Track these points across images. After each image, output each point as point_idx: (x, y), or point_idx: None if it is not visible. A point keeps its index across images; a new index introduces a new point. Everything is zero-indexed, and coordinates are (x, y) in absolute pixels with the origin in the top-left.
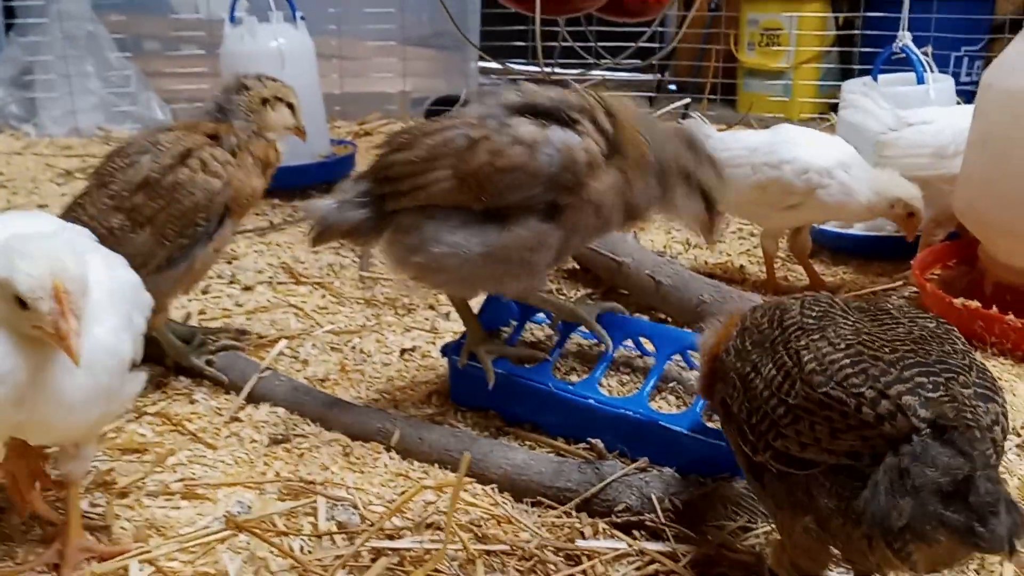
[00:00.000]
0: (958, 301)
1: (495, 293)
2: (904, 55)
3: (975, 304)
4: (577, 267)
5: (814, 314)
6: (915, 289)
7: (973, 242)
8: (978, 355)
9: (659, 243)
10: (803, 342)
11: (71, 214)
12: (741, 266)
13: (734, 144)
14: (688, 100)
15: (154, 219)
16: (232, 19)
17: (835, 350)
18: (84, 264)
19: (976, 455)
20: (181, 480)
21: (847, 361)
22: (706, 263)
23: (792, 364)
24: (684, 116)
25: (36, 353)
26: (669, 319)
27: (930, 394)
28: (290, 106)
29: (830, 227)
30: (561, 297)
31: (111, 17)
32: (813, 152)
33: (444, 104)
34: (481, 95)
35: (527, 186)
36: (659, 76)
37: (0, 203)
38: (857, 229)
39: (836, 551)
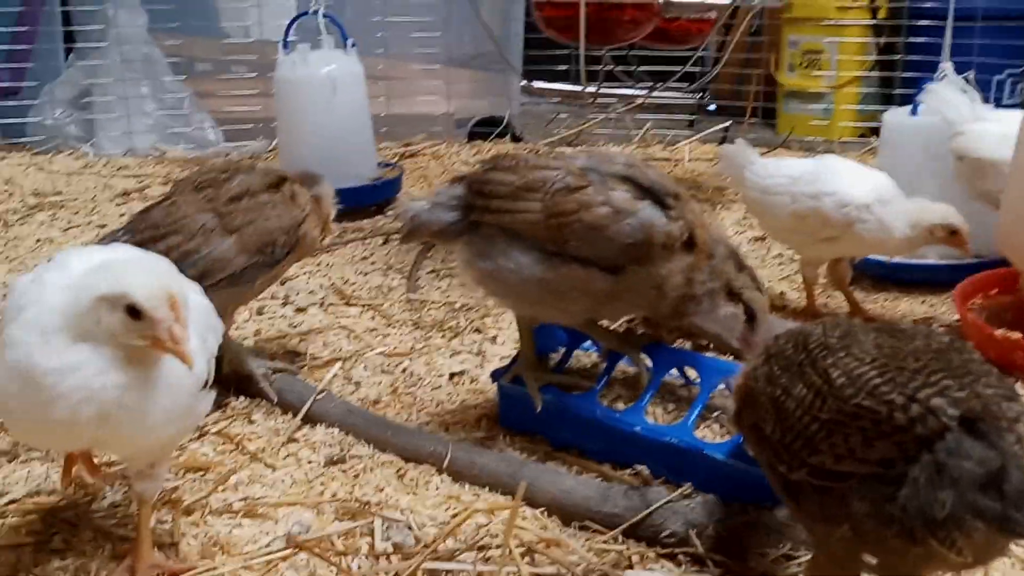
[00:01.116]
0: (999, 332)
1: (547, 320)
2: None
3: (1016, 335)
4: None
5: (836, 335)
6: (956, 318)
7: (1016, 271)
8: (1018, 386)
9: None
10: (830, 360)
11: (159, 212)
12: (782, 292)
13: (776, 171)
14: (730, 122)
15: (242, 230)
16: (285, 46)
17: (861, 364)
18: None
19: (1006, 446)
20: (243, 499)
21: (874, 372)
22: None
23: (822, 382)
24: (724, 139)
25: (126, 371)
26: (711, 347)
27: (957, 394)
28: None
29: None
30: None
31: (166, 40)
32: (854, 186)
33: (487, 125)
34: (591, 154)
35: (600, 246)
36: (699, 97)
37: (62, 222)
38: (899, 258)
39: (870, 560)
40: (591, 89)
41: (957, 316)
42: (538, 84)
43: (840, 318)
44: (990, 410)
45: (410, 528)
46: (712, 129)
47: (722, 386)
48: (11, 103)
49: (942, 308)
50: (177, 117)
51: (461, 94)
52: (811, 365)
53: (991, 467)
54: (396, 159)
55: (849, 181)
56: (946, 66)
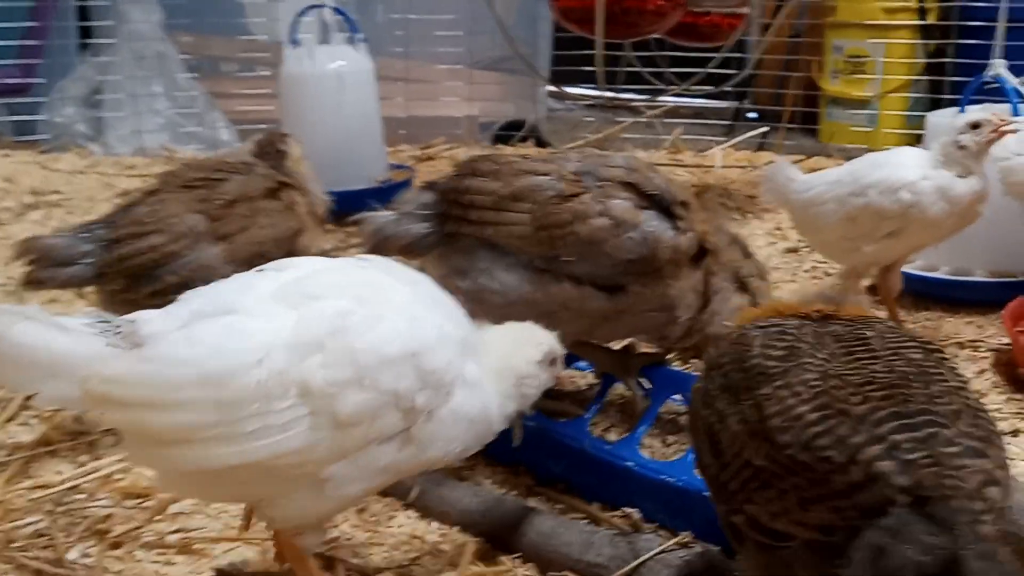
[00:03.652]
0: None
1: None
2: (997, 84)
3: None
4: None
5: (777, 353)
6: (1006, 340)
7: None
8: None
9: None
10: (766, 390)
11: (143, 208)
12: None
13: (817, 182)
14: (766, 128)
15: (233, 237)
16: (293, 41)
17: (799, 402)
18: None
19: (962, 529)
20: (179, 532)
21: (814, 416)
22: None
23: (756, 418)
24: (761, 145)
25: None
26: None
27: (908, 455)
28: None
29: (913, 270)
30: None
31: (180, 38)
32: (898, 169)
33: (512, 129)
34: (587, 156)
35: (598, 262)
36: (738, 103)
37: (55, 221)
38: (942, 273)
39: None
40: (618, 93)
41: (1007, 339)
42: (568, 89)
43: (789, 321)
44: (944, 482)
45: (362, 573)
46: (747, 135)
47: None
48: (22, 100)
49: (990, 330)
50: (190, 116)
51: (485, 96)
52: (747, 391)
53: (940, 556)
54: (412, 162)
55: (891, 167)
56: (997, 62)
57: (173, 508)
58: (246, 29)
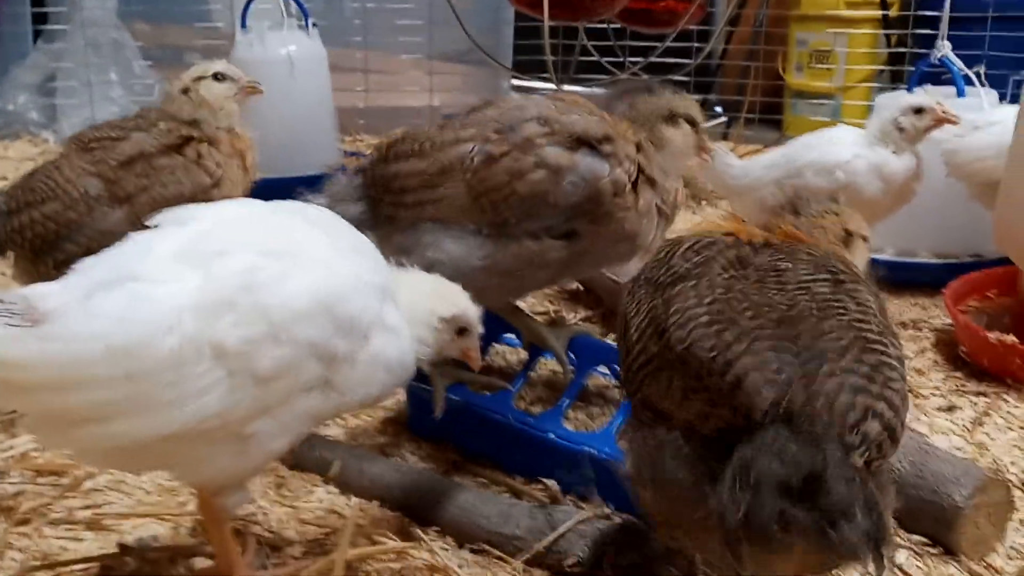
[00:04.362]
0: (993, 336)
1: (489, 304)
2: (943, 67)
3: (1011, 339)
4: (579, 288)
5: (696, 259)
6: (949, 321)
7: (1015, 270)
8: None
9: None
10: (676, 289)
11: (41, 175)
12: None
13: (753, 167)
14: (724, 119)
15: (134, 199)
16: (243, 26)
17: (699, 303)
18: None
19: (830, 450)
20: (89, 508)
21: (705, 319)
22: None
23: (661, 312)
24: (724, 136)
25: None
26: None
27: (778, 375)
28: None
29: None
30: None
31: (137, 25)
32: (830, 148)
33: None
34: (500, 110)
35: (546, 215)
36: (704, 96)
37: None
38: (887, 255)
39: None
40: (574, 84)
41: (950, 319)
42: (525, 83)
43: (720, 237)
44: (816, 404)
45: (274, 548)
46: (708, 124)
47: None
48: None
49: (934, 311)
50: (145, 105)
51: (448, 87)
52: (661, 288)
53: (804, 472)
54: (371, 151)
55: (824, 146)
56: (942, 44)
57: (87, 484)
58: (206, 16)
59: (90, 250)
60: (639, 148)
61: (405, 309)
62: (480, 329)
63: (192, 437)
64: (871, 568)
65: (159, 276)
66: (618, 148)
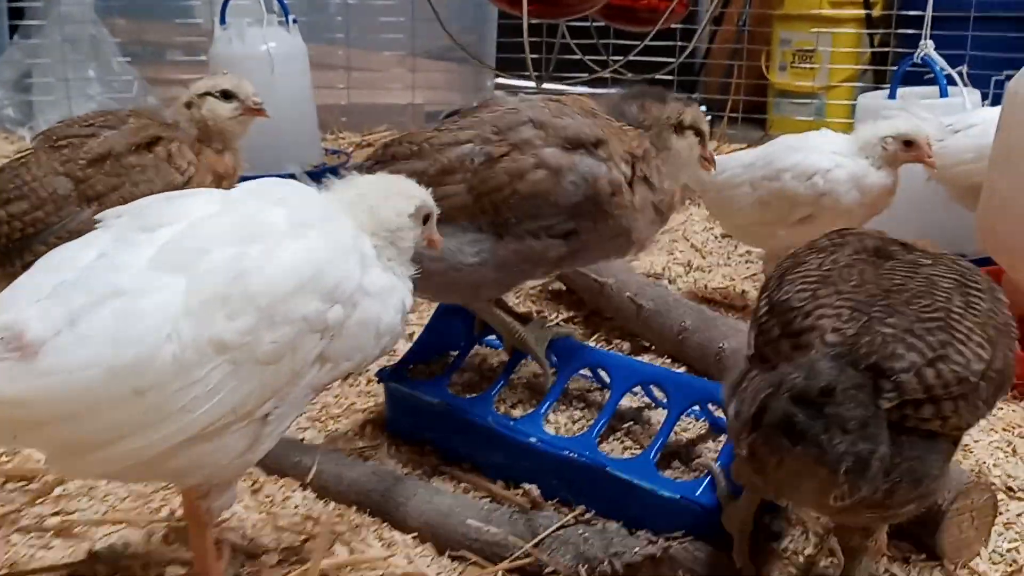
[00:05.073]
0: None
1: (461, 302)
2: (926, 66)
3: None
4: (562, 288)
5: (835, 239)
6: None
7: (999, 270)
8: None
9: (659, 265)
10: (807, 257)
11: (9, 173)
12: (743, 291)
13: (731, 164)
14: (709, 118)
15: (103, 199)
16: (223, 22)
17: (808, 271)
18: None
19: (853, 374)
20: (59, 514)
21: (813, 278)
22: (706, 287)
23: (787, 268)
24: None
25: None
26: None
27: (845, 324)
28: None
29: None
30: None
31: (115, 21)
32: (812, 154)
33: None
34: (495, 113)
35: (547, 214)
36: (688, 95)
37: None
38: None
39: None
40: (557, 82)
41: None
42: (506, 81)
43: (872, 231)
44: (864, 341)
45: (249, 557)
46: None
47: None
48: None
49: None
50: (124, 101)
51: (432, 85)
52: (797, 257)
53: (820, 384)
54: (353, 149)
55: (805, 151)
56: (925, 43)
57: (57, 490)
58: (185, 13)
59: None
60: (639, 153)
61: (364, 217)
62: (437, 210)
63: (210, 434)
64: (844, 487)
65: (140, 287)
66: (611, 150)
